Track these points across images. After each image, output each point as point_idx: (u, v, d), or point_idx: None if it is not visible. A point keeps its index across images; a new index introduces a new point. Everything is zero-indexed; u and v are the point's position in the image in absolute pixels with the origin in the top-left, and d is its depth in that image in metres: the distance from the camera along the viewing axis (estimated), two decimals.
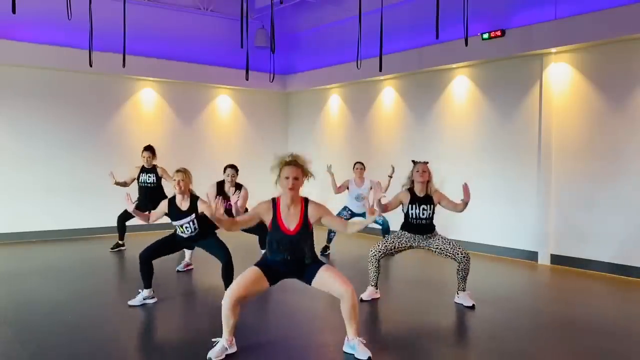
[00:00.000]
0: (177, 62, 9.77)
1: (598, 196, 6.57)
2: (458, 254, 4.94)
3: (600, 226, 6.56)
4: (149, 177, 7.55)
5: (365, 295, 5.12)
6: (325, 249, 7.58)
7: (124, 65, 6.76)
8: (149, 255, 4.93)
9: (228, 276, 4.89)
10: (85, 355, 3.71)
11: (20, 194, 8.48)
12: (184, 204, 4.90)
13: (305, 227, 3.65)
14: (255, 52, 9.79)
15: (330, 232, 7.57)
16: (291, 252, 3.63)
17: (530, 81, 7.25)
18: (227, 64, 10.31)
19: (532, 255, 7.23)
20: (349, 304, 3.58)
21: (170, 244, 5.09)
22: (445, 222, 8.25)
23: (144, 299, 4.93)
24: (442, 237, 5.04)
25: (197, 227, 4.96)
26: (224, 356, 3.61)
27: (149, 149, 7.58)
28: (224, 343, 3.63)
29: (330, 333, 4.18)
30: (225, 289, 4.79)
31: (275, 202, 3.68)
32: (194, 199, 4.93)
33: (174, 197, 4.98)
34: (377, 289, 5.20)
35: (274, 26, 5.89)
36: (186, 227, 4.94)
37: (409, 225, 5.03)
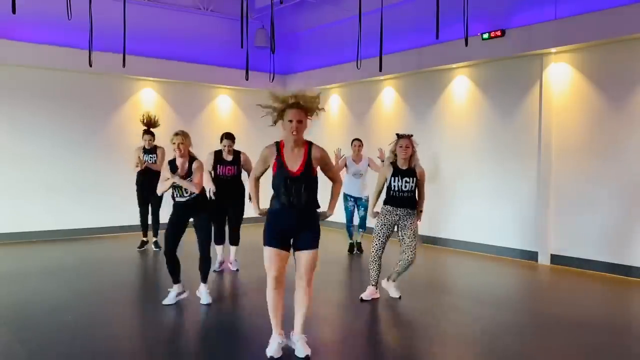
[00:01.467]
0: (177, 62, 9.77)
1: (598, 196, 6.57)
2: (405, 253, 5.02)
3: (600, 226, 6.56)
4: (150, 157, 7.64)
5: (365, 295, 5.13)
6: (358, 248, 7.60)
7: (124, 65, 6.76)
8: (171, 248, 4.88)
9: (204, 266, 4.98)
10: (85, 355, 3.71)
11: (20, 194, 8.48)
12: (183, 167, 4.89)
13: (309, 169, 3.61)
14: (255, 52, 9.79)
15: (348, 228, 7.60)
16: (295, 194, 3.58)
17: (530, 81, 7.25)
18: (227, 64, 10.31)
19: (532, 255, 7.23)
20: (300, 295, 3.64)
21: (177, 222, 4.95)
22: (445, 221, 8.29)
23: (177, 296, 4.93)
24: (413, 231, 5.03)
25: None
26: (281, 352, 3.60)
27: (149, 132, 7.60)
28: (278, 339, 3.63)
29: (331, 331, 4.18)
30: (203, 281, 4.94)
31: (278, 144, 3.66)
32: (192, 160, 4.91)
33: (174, 159, 4.95)
34: (377, 289, 5.20)
35: (274, 26, 5.89)
36: (184, 189, 4.87)
37: (391, 198, 5.06)
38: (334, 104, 10.52)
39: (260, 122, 11.95)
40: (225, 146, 6.32)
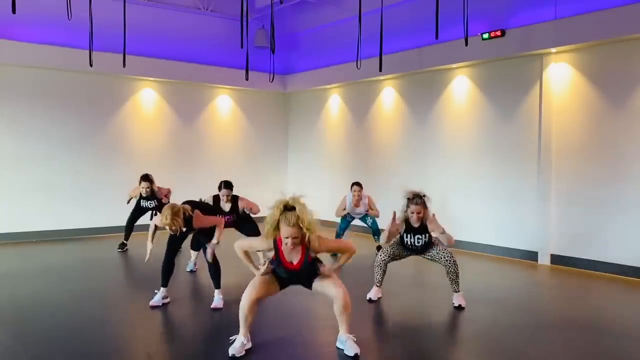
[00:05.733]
0: (177, 62, 9.77)
1: (598, 196, 6.57)
2: (442, 259, 4.95)
3: (600, 226, 6.55)
4: (149, 203, 7.61)
5: (372, 295, 5.13)
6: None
7: (124, 65, 6.76)
8: (171, 254, 5.00)
9: (214, 272, 4.97)
10: (85, 355, 3.71)
11: (20, 194, 8.48)
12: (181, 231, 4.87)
13: (307, 262, 3.68)
14: (255, 52, 9.79)
15: (337, 236, 7.57)
16: (294, 282, 3.83)
17: (530, 81, 7.25)
18: (227, 64, 10.32)
19: (532, 255, 7.23)
20: (340, 305, 3.70)
21: (178, 238, 5.06)
22: (445, 222, 8.25)
23: (162, 298, 4.96)
24: (436, 249, 5.01)
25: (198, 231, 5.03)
26: (244, 352, 3.69)
27: (147, 179, 7.49)
28: (242, 339, 3.73)
29: (330, 332, 4.18)
30: (215, 287, 4.96)
31: (276, 241, 3.65)
32: (188, 223, 4.80)
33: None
34: (380, 288, 5.20)
35: (274, 26, 5.89)
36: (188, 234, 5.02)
37: (405, 246, 5.04)
38: (334, 104, 10.52)
39: (260, 122, 12.02)
40: (224, 195, 6.27)
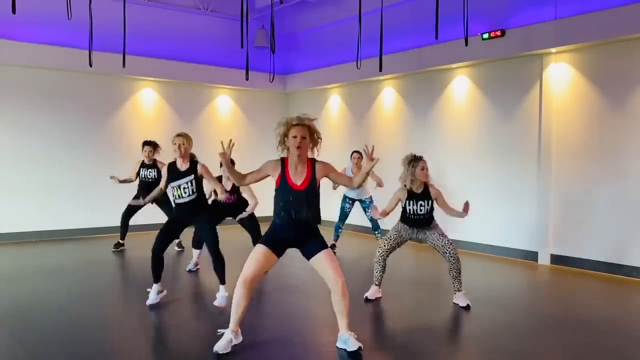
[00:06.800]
0: (177, 62, 9.77)
1: (598, 196, 6.57)
2: (446, 253, 4.93)
3: (600, 226, 6.55)
4: (149, 172, 7.54)
5: (370, 294, 5.13)
6: (332, 247, 7.58)
7: (124, 65, 6.76)
8: (160, 248, 4.91)
9: (218, 267, 4.90)
10: (84, 355, 3.71)
11: (20, 194, 8.48)
12: (183, 166, 4.89)
13: (313, 184, 3.68)
14: (255, 52, 9.79)
15: (337, 228, 7.59)
16: (297, 209, 3.64)
17: (530, 81, 7.25)
18: (227, 64, 10.32)
19: (532, 255, 7.23)
20: (338, 295, 3.66)
21: (172, 227, 5.02)
22: (445, 221, 8.27)
23: (158, 294, 4.93)
24: (438, 232, 4.98)
25: (194, 189, 4.88)
26: (230, 349, 3.65)
27: (150, 143, 7.53)
28: (230, 335, 3.67)
29: (329, 332, 4.18)
30: (221, 282, 4.87)
31: (283, 161, 3.74)
32: (193, 161, 4.92)
33: (174, 162, 4.96)
34: (379, 288, 5.20)
35: (274, 26, 5.89)
36: (184, 189, 4.86)
37: (406, 219, 5.00)
38: (334, 104, 10.52)
39: (260, 122, 11.97)
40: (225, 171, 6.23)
